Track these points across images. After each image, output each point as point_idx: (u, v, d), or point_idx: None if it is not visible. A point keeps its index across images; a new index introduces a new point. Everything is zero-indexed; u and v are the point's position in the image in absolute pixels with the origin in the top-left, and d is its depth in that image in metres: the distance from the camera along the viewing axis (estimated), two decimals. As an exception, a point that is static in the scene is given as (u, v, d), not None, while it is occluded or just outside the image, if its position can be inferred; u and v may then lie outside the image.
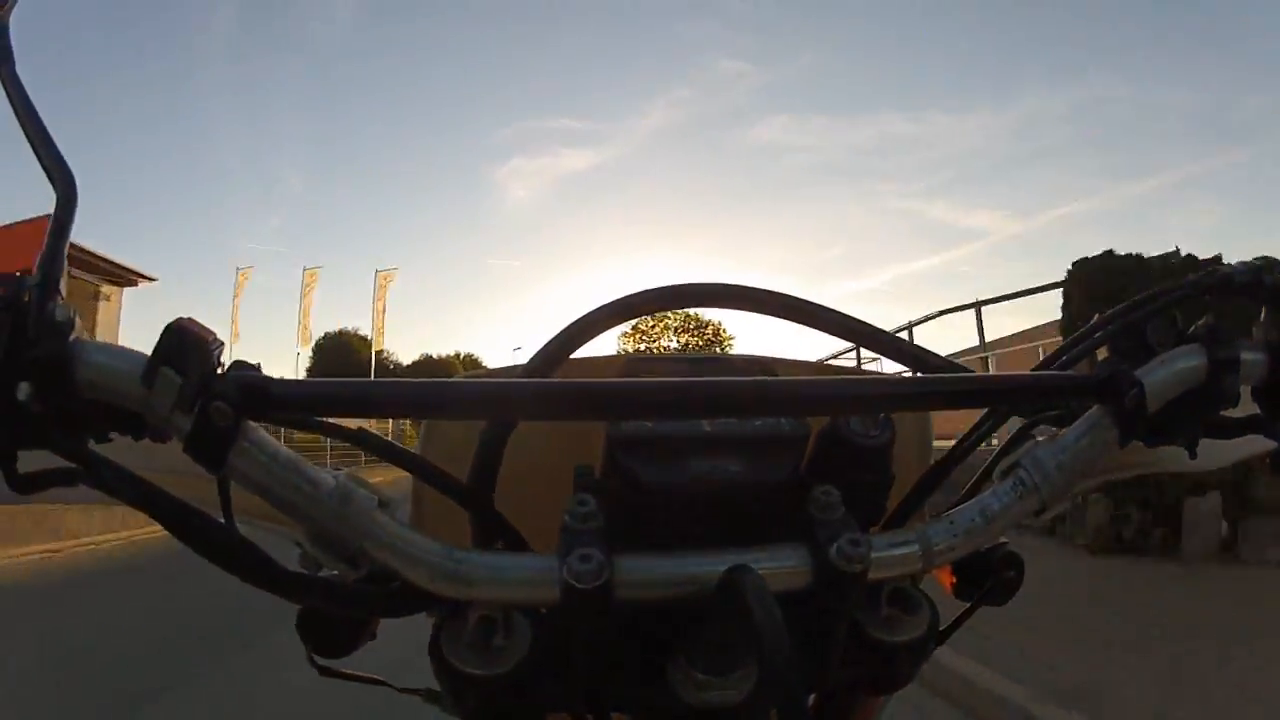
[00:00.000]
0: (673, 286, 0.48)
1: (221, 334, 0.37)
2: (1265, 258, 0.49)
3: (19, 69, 0.45)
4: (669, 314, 30.80)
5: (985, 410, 0.51)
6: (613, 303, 0.47)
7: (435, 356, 45.51)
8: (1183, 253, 5.90)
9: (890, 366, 3.85)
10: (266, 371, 0.37)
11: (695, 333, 34.04)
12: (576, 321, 0.46)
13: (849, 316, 0.50)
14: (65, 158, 0.42)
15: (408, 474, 0.47)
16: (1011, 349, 9.88)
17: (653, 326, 33.63)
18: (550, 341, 0.46)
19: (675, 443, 0.42)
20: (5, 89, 0.44)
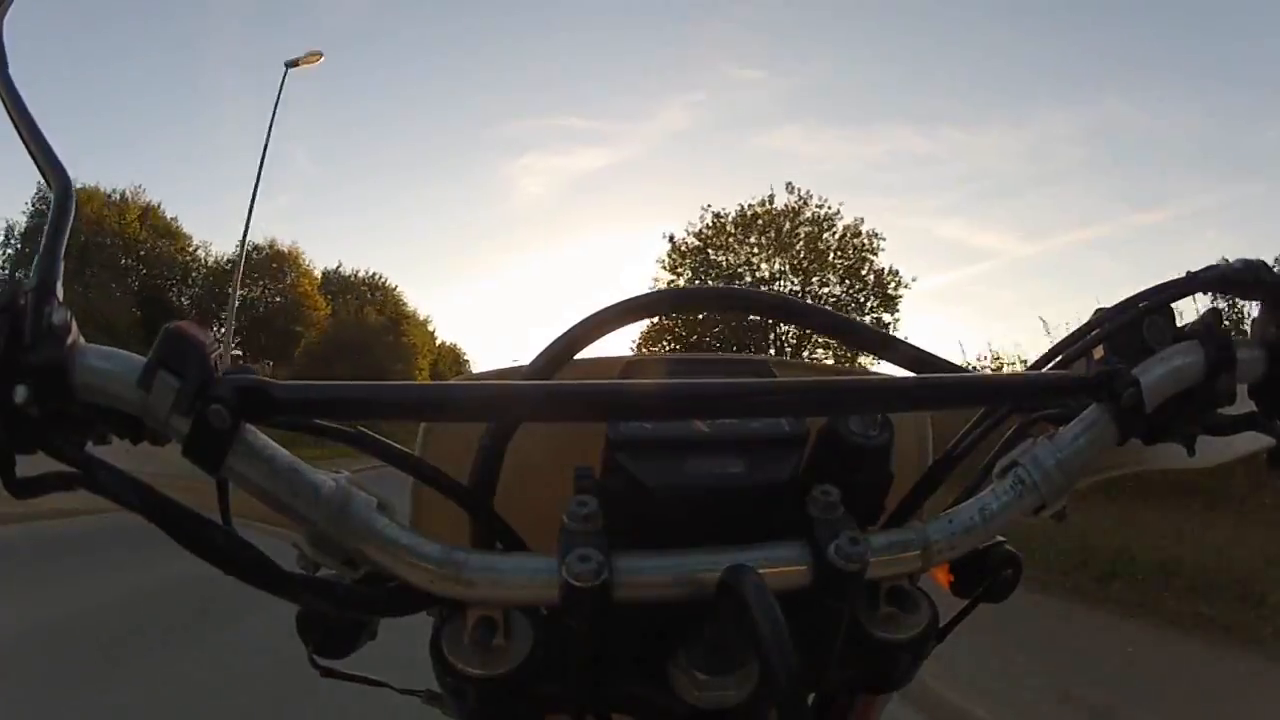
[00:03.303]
0: (678, 290, 0.49)
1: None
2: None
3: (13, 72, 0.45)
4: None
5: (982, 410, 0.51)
6: (615, 305, 0.47)
7: (278, 248, 30.98)
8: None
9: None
10: None
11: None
12: (579, 324, 0.46)
13: (850, 320, 0.50)
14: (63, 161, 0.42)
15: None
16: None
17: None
18: (553, 343, 0.46)
19: (675, 443, 0.42)
20: (1, 93, 0.44)
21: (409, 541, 0.39)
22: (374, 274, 37.21)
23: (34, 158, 0.43)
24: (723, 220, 23.30)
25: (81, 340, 0.36)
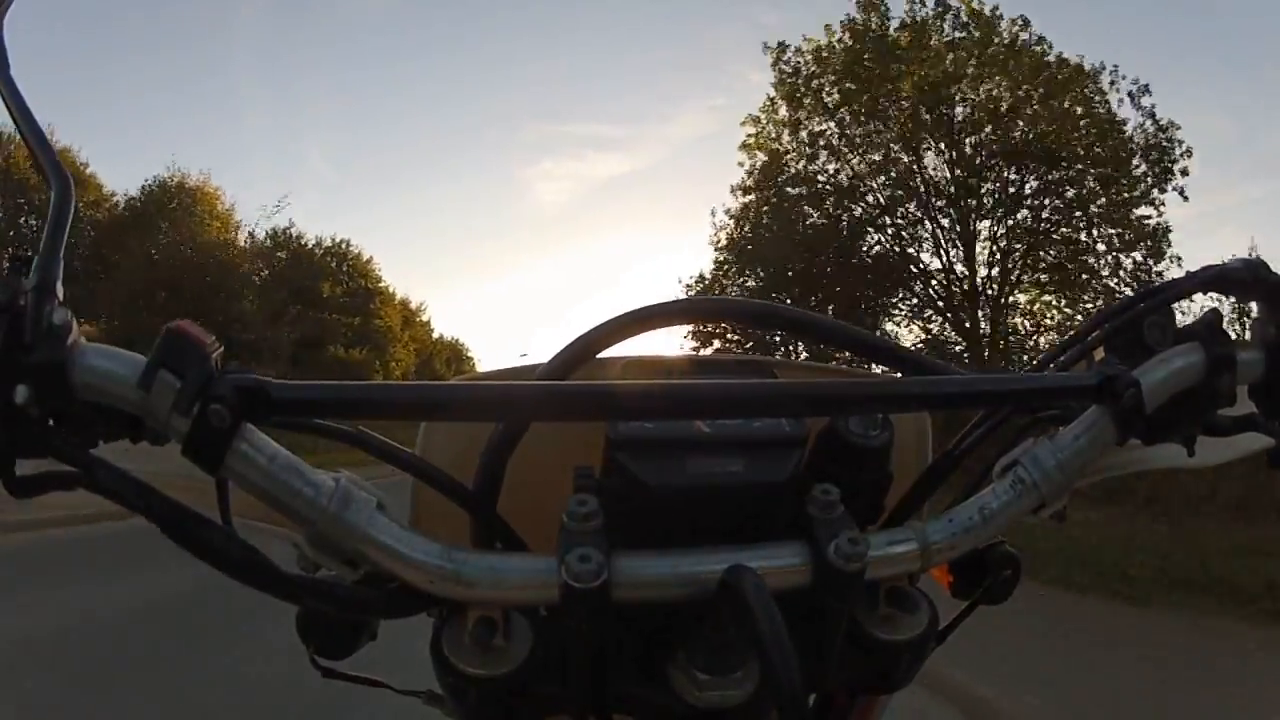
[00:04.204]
0: (695, 300, 0.49)
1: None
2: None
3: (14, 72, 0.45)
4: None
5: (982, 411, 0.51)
6: (631, 312, 0.47)
7: (186, 182, 22.47)
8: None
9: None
10: None
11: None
12: (594, 329, 0.46)
13: (861, 331, 0.51)
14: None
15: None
16: None
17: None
18: (569, 345, 0.46)
19: (674, 443, 0.42)
20: (1, 93, 0.44)
21: (409, 542, 0.39)
22: (340, 241, 29.24)
23: (34, 156, 0.43)
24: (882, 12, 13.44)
25: (82, 340, 0.36)
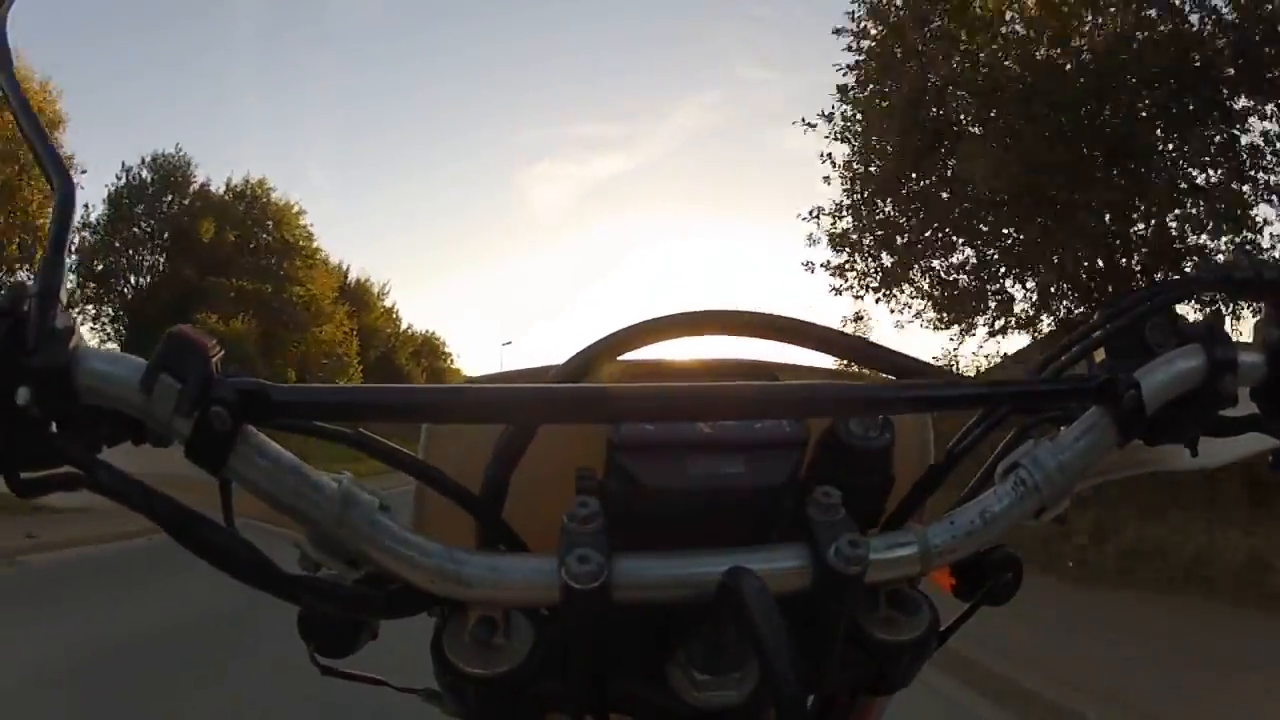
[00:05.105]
0: (713, 312, 0.49)
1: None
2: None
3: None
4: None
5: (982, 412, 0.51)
6: (649, 321, 0.47)
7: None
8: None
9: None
10: None
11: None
12: (612, 335, 0.46)
13: (861, 339, 0.51)
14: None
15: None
16: None
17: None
18: (579, 352, 0.46)
19: (676, 445, 0.42)
20: (5, 93, 0.45)
21: (410, 542, 0.39)
22: (253, 182, 23.78)
23: (37, 158, 0.43)
24: None
25: (84, 344, 0.37)
